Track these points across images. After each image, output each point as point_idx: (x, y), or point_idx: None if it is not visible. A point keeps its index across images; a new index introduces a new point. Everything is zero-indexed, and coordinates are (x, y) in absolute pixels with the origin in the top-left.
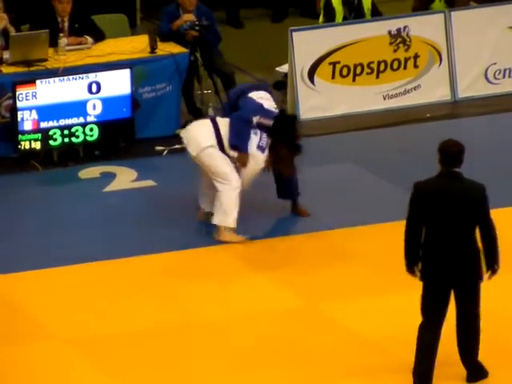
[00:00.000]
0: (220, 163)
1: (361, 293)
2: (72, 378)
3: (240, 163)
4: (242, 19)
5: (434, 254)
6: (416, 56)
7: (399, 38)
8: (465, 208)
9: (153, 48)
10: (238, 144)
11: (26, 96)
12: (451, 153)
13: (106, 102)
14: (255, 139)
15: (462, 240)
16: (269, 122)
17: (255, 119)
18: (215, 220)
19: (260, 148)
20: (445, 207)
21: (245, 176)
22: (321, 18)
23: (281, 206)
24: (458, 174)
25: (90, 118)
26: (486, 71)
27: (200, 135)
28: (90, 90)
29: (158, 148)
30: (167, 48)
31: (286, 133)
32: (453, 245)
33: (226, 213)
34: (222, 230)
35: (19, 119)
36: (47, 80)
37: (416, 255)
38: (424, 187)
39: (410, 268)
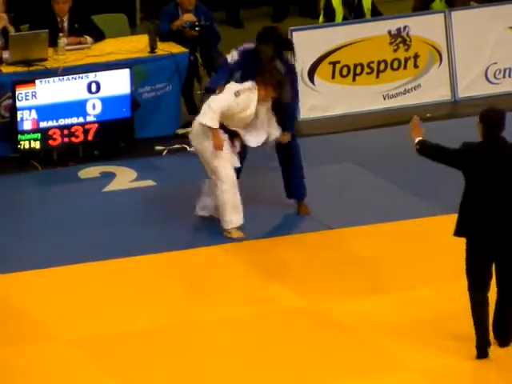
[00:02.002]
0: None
1: (361, 293)
2: (73, 378)
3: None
4: (241, 19)
5: (477, 220)
6: (416, 56)
7: (399, 38)
8: (506, 172)
9: (152, 48)
10: (210, 86)
11: (26, 96)
12: (493, 121)
13: (105, 101)
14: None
15: (505, 207)
16: (249, 45)
17: (230, 55)
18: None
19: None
20: (492, 171)
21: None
22: (321, 18)
23: (281, 205)
24: (503, 139)
25: (89, 118)
26: (486, 71)
27: None
28: (89, 90)
29: (158, 148)
30: (167, 48)
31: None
32: (495, 211)
33: (223, 216)
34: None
35: (19, 119)
36: (47, 80)
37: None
38: (473, 149)
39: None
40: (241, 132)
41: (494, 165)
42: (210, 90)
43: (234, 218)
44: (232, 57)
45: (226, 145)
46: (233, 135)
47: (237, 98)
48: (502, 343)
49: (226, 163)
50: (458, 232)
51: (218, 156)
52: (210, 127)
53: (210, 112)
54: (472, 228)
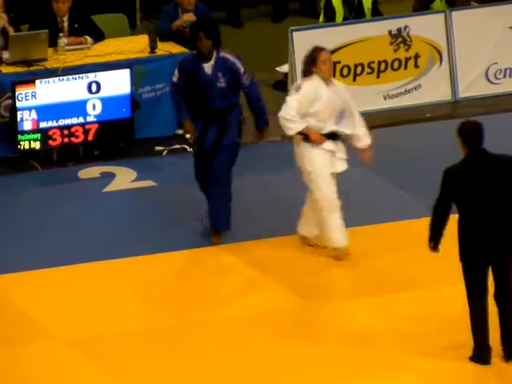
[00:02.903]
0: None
1: (360, 293)
2: (72, 378)
3: None
4: (241, 19)
5: (472, 233)
6: (416, 56)
7: (400, 38)
8: (502, 182)
9: (152, 48)
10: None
11: (26, 96)
12: (471, 133)
13: (105, 101)
14: None
15: (501, 215)
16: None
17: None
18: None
19: None
20: (481, 185)
21: None
22: (321, 18)
23: (280, 205)
24: (484, 151)
25: (89, 118)
26: (487, 71)
27: None
28: (89, 90)
29: (158, 148)
30: (167, 48)
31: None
32: (492, 221)
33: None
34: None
35: (19, 119)
36: (47, 80)
37: (439, 235)
38: (456, 171)
39: (430, 244)
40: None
41: (481, 179)
42: (179, 126)
43: (337, 235)
44: (174, 76)
45: (324, 156)
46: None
47: (301, 92)
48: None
49: (325, 183)
50: (462, 254)
51: (317, 175)
52: (298, 133)
53: (287, 122)
54: (468, 238)
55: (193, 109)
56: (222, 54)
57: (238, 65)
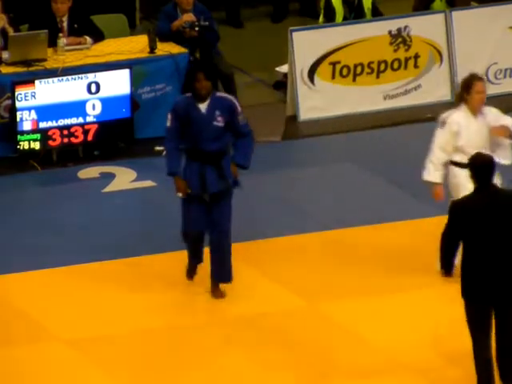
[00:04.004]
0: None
1: (360, 293)
2: (72, 378)
3: None
4: (241, 19)
5: (475, 271)
6: (416, 56)
7: (399, 38)
8: (509, 220)
9: (152, 48)
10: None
11: (25, 96)
12: (482, 167)
13: (105, 102)
14: None
15: (505, 256)
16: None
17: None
18: None
19: None
20: (488, 222)
21: None
22: (321, 18)
23: (280, 206)
24: (494, 186)
25: (89, 118)
26: (487, 71)
27: None
28: (89, 90)
29: (158, 148)
30: (166, 48)
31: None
32: (495, 262)
33: None
34: None
35: (18, 119)
36: (46, 80)
37: (451, 263)
38: (463, 204)
39: (443, 270)
40: None
41: (488, 215)
42: (171, 175)
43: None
44: (168, 120)
45: None
46: None
47: (445, 127)
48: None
49: None
50: (465, 292)
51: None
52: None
53: (429, 164)
54: (471, 278)
55: (187, 152)
56: (218, 93)
57: (236, 103)
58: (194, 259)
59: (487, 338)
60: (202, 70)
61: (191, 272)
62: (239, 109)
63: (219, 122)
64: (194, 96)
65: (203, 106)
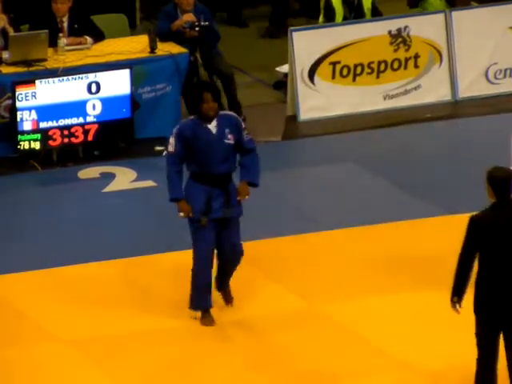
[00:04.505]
0: None
1: (361, 293)
2: (71, 379)
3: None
4: (244, 19)
5: (490, 288)
6: (416, 56)
7: (399, 38)
8: None
9: (152, 48)
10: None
11: (26, 96)
12: (501, 181)
13: (105, 102)
14: None
15: None
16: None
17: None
18: None
19: None
20: (506, 238)
21: None
22: (321, 18)
23: (279, 205)
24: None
25: (89, 118)
26: (487, 71)
27: None
28: (89, 90)
29: (158, 148)
30: (167, 48)
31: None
32: (507, 281)
33: None
34: None
35: (19, 119)
36: (47, 80)
37: (463, 288)
38: (482, 220)
39: (453, 298)
40: None
41: (507, 231)
42: (175, 200)
43: None
44: (170, 145)
45: None
46: None
47: None
48: None
49: None
50: (477, 309)
51: None
52: None
53: None
54: (486, 296)
55: (193, 175)
56: (222, 112)
57: (240, 120)
58: (206, 281)
59: (494, 359)
60: (209, 91)
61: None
62: (243, 125)
63: (230, 139)
64: (200, 117)
65: (212, 126)
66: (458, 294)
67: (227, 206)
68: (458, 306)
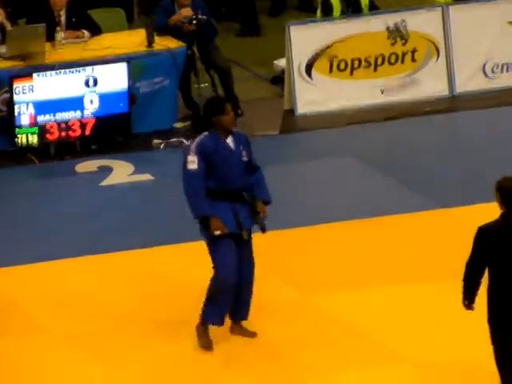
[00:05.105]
0: None
1: (357, 285)
2: (65, 372)
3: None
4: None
5: (503, 298)
6: (414, 50)
7: (397, 33)
8: None
9: (150, 42)
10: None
11: (23, 90)
12: (509, 189)
13: (103, 96)
14: None
15: None
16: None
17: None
18: None
19: None
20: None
21: None
22: (318, 13)
23: (279, 200)
24: None
25: (87, 113)
26: (484, 66)
27: None
28: (87, 85)
29: (155, 142)
30: (164, 42)
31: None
32: None
33: None
34: None
35: (16, 113)
36: (44, 74)
37: (473, 296)
38: (490, 230)
39: (465, 301)
40: None
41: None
42: (204, 217)
43: None
44: (192, 162)
45: None
46: None
47: None
48: None
49: None
50: (491, 319)
51: None
52: None
53: None
54: (499, 306)
55: (213, 193)
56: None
57: (249, 139)
58: (227, 309)
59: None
60: (229, 101)
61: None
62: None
63: (244, 156)
64: (217, 131)
65: (230, 142)
66: (468, 299)
67: (254, 217)
68: (470, 307)
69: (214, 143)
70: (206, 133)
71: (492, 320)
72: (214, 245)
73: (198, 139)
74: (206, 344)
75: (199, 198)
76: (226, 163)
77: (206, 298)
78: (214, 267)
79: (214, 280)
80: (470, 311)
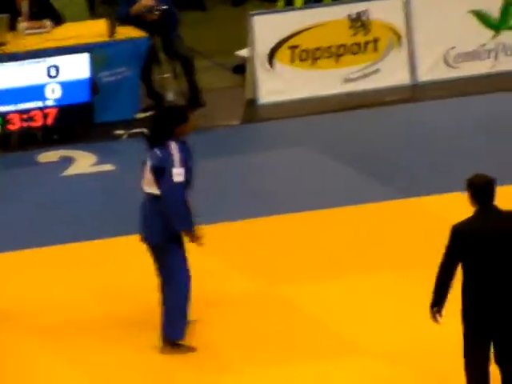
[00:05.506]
0: None
1: (319, 277)
2: (31, 365)
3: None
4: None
5: (477, 297)
6: (376, 40)
7: (359, 22)
8: (509, 246)
9: (112, 32)
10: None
11: None
12: (483, 187)
13: (64, 86)
14: None
15: (507, 283)
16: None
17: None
18: None
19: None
20: (490, 247)
21: None
22: (280, 3)
23: (237, 190)
24: (495, 208)
25: (48, 102)
26: (446, 55)
27: None
28: (48, 74)
29: (117, 132)
30: (126, 32)
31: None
32: (498, 289)
33: None
34: None
35: None
36: (6, 64)
37: (444, 298)
38: (465, 229)
39: (433, 308)
40: None
41: (491, 240)
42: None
43: None
44: (179, 175)
45: None
46: None
47: None
48: None
49: None
50: (464, 317)
51: None
52: None
53: None
54: (475, 308)
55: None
56: None
57: None
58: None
59: (484, 368)
60: (188, 109)
61: None
62: None
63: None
64: (176, 138)
65: None
66: (438, 304)
67: None
68: (438, 315)
69: (187, 150)
70: (174, 143)
71: (466, 321)
72: (173, 252)
73: (176, 150)
74: (188, 350)
75: (187, 210)
76: (192, 169)
77: (166, 313)
78: (172, 275)
79: (175, 290)
80: (436, 323)
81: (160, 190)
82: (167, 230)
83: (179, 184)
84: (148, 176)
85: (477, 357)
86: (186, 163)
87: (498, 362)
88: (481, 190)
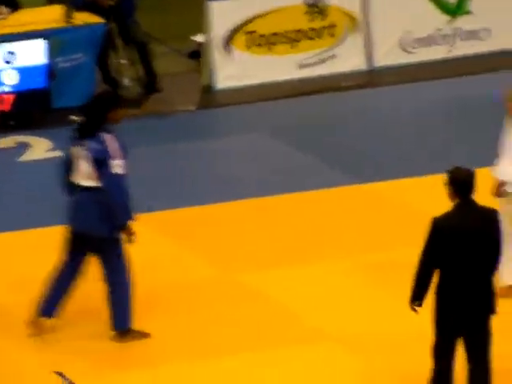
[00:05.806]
0: None
1: (281, 262)
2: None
3: None
4: None
5: (451, 293)
6: (332, 25)
7: (315, 7)
8: (482, 240)
9: (69, 18)
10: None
11: None
12: (462, 182)
13: (21, 71)
14: None
15: (482, 280)
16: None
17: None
18: None
19: None
20: (468, 242)
21: None
22: None
23: (197, 176)
24: (474, 203)
25: (5, 88)
26: (403, 40)
27: None
28: (5, 60)
29: (73, 118)
30: (83, 18)
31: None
32: (472, 285)
33: None
34: None
35: None
36: None
37: (424, 293)
38: (445, 223)
39: (414, 303)
40: None
41: (469, 235)
42: (122, 228)
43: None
44: (119, 166)
45: None
46: None
47: None
48: None
49: None
50: (436, 311)
51: None
52: None
53: None
54: (449, 304)
55: None
56: None
57: None
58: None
59: (450, 362)
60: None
61: None
62: None
63: None
64: (108, 126)
65: None
66: (419, 298)
67: None
68: (417, 308)
69: (122, 145)
70: (106, 134)
71: (438, 322)
72: (116, 244)
73: (111, 141)
74: (141, 336)
75: (129, 201)
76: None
77: (112, 305)
78: (115, 267)
79: (119, 282)
80: (415, 312)
81: (101, 182)
82: (110, 222)
83: (120, 176)
84: (85, 169)
85: (444, 351)
86: (125, 155)
87: (468, 354)
88: (463, 183)
